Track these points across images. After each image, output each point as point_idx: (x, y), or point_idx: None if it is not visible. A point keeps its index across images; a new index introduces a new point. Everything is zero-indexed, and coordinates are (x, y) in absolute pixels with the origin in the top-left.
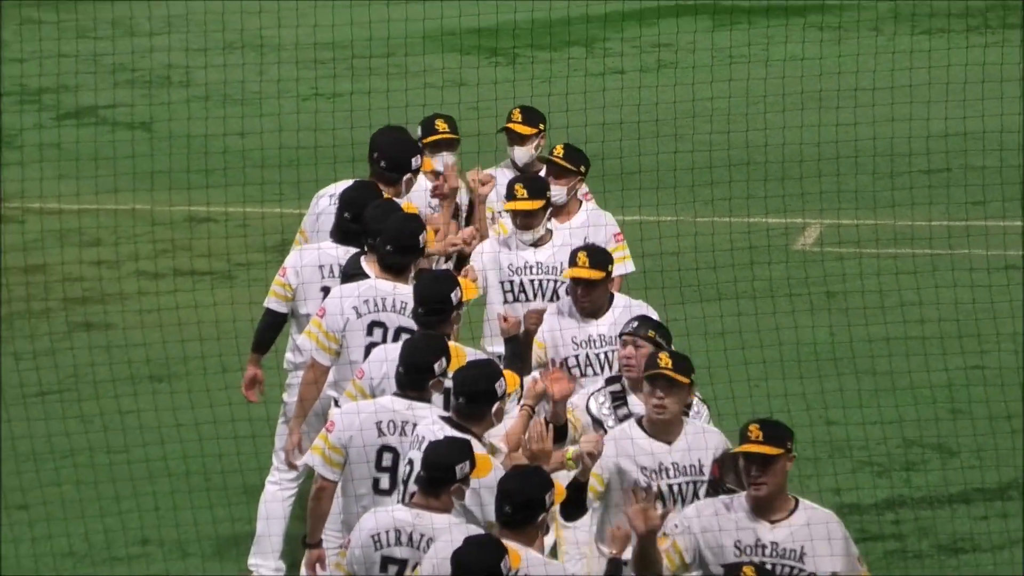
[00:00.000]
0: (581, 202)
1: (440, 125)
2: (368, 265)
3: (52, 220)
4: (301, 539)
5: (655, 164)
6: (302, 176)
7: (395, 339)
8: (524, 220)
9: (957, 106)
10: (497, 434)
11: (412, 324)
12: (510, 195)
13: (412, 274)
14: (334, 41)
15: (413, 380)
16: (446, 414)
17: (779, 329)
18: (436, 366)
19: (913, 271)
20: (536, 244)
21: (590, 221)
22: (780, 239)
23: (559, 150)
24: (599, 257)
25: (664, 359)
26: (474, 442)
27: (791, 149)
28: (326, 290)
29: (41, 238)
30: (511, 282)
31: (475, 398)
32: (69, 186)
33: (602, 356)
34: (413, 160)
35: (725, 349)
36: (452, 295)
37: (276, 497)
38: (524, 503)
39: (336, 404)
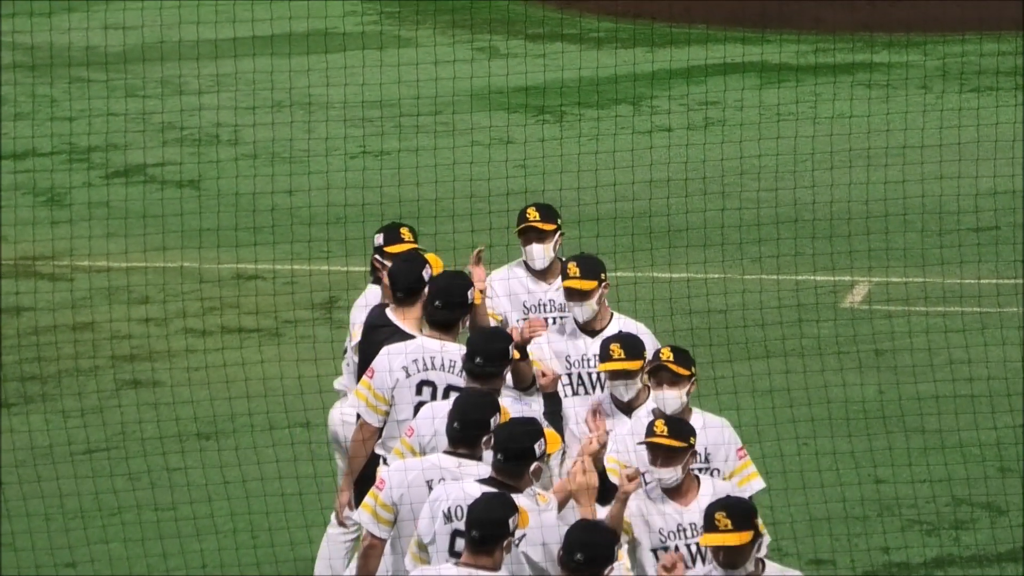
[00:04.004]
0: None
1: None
2: (395, 316)
3: (100, 278)
4: None
5: (703, 221)
6: (350, 233)
7: (444, 397)
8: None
9: (1006, 164)
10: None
11: (461, 382)
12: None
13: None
14: (382, 99)
15: (467, 436)
16: (485, 475)
17: (827, 387)
18: (492, 422)
19: (962, 329)
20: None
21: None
22: (828, 297)
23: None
24: (738, 511)
25: None
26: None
27: (839, 206)
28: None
29: (89, 296)
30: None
31: (514, 455)
32: (118, 244)
33: None
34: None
35: (773, 407)
36: (510, 349)
37: (336, 539)
38: (594, 557)
39: (384, 462)
